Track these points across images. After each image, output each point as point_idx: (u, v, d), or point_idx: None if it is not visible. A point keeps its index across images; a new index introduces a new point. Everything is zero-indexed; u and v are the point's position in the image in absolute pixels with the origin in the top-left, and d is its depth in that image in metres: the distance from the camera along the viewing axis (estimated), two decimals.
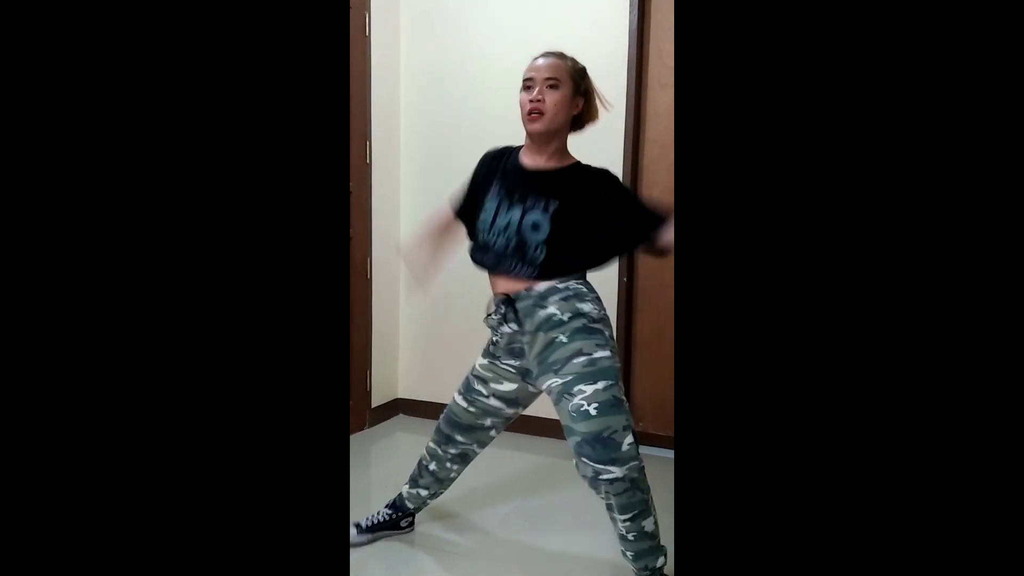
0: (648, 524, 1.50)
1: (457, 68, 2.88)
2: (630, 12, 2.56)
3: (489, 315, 1.66)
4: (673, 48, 2.58)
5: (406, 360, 3.10)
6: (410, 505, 1.92)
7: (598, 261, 1.63)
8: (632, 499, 1.46)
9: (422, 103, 2.99)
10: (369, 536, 1.90)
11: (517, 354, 1.62)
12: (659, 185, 2.65)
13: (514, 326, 1.56)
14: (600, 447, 1.43)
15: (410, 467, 1.91)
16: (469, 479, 2.37)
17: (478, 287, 1.80)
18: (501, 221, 1.55)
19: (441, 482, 1.86)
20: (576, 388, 1.46)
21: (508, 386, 1.68)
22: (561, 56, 1.57)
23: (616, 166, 2.62)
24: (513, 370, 1.65)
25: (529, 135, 1.57)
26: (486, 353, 1.72)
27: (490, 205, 1.59)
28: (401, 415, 3.09)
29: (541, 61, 1.55)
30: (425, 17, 2.94)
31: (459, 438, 1.77)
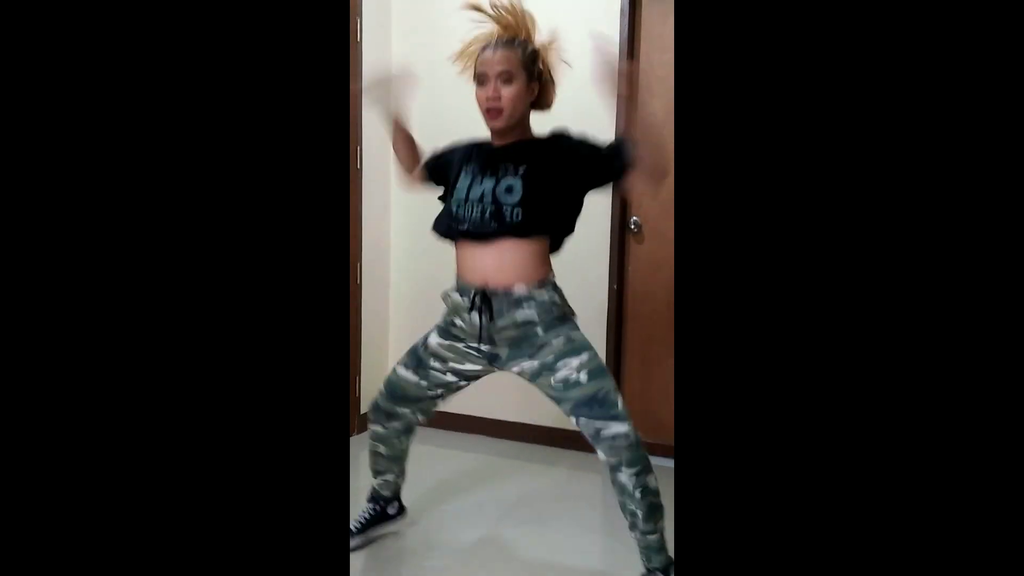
0: (652, 480, 1.55)
1: (448, 74, 2.88)
2: (621, 22, 2.58)
3: (448, 294, 1.65)
4: (662, 58, 2.60)
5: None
6: (385, 493, 1.92)
7: (571, 217, 1.62)
8: (635, 454, 1.51)
9: (413, 108, 2.99)
10: (363, 538, 1.89)
11: (485, 340, 1.61)
12: (649, 193, 2.67)
13: (484, 319, 1.56)
14: (597, 406, 1.51)
15: None
16: (457, 484, 2.38)
17: None
18: (475, 193, 1.54)
19: (397, 459, 1.86)
20: (560, 363, 1.54)
21: (470, 366, 1.67)
22: (511, 44, 1.53)
23: None
24: (478, 353, 1.64)
25: (490, 129, 1.57)
26: (444, 334, 1.67)
27: (462, 183, 1.58)
28: None
29: (492, 53, 1.52)
30: (416, 24, 2.94)
31: (402, 410, 1.74)
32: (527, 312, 1.55)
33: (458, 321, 1.64)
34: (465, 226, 1.55)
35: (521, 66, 1.52)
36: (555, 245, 1.63)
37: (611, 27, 2.59)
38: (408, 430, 1.80)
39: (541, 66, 1.57)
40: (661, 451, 2.69)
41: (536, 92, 1.57)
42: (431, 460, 2.57)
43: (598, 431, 1.51)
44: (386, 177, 3.00)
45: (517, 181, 1.51)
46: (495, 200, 1.51)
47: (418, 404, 1.74)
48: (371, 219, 2.89)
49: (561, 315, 1.59)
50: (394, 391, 1.74)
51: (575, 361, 1.53)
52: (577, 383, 1.52)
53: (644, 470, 1.53)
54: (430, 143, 2.95)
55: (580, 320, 2.23)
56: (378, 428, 1.78)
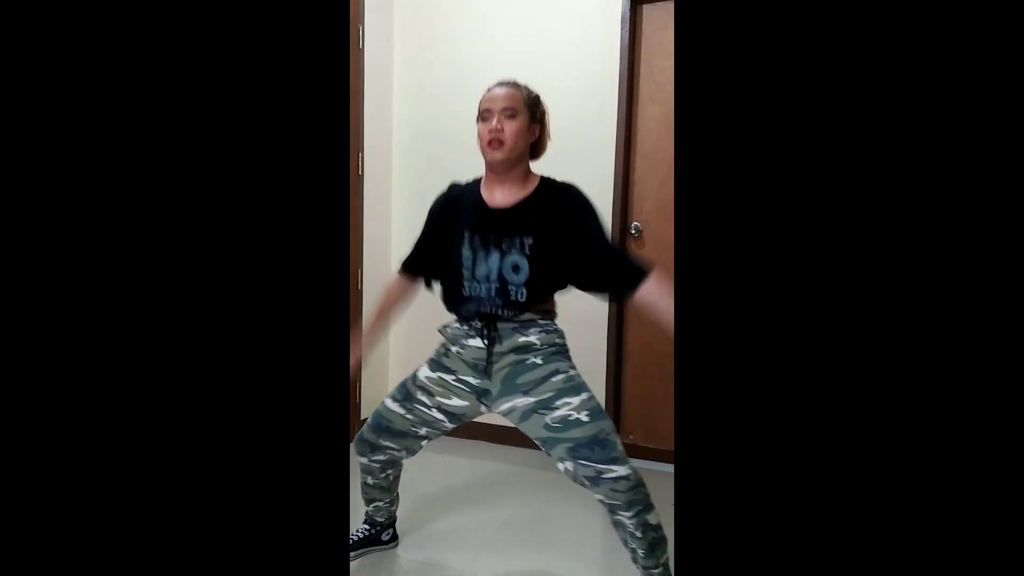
0: (652, 517, 1.52)
1: (450, 81, 2.90)
2: (622, 28, 2.59)
3: (447, 327, 1.65)
4: (662, 64, 2.61)
5: (395, 373, 3.09)
6: (379, 518, 1.91)
7: (576, 284, 1.62)
8: (637, 496, 1.48)
9: (415, 115, 3.00)
10: (352, 554, 1.87)
11: (479, 371, 1.59)
12: (649, 199, 2.68)
13: (486, 342, 1.56)
14: (599, 448, 1.46)
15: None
16: (449, 490, 2.38)
17: None
18: (481, 270, 1.55)
19: (385, 490, 1.84)
20: (560, 402, 1.51)
21: (457, 402, 1.64)
22: (516, 85, 1.58)
23: (607, 179, 2.65)
24: (468, 388, 1.62)
25: (490, 165, 1.58)
26: (435, 366, 1.66)
27: (467, 253, 1.57)
28: None
29: (497, 91, 1.56)
30: (418, 31, 2.96)
31: (386, 443, 1.70)
32: (528, 338, 1.55)
33: (454, 350, 1.62)
34: (473, 307, 1.57)
35: (524, 104, 1.56)
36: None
37: (611, 33, 2.61)
38: (392, 463, 1.78)
39: (541, 110, 1.61)
40: (661, 457, 2.69)
41: (536, 135, 1.60)
42: (432, 467, 2.57)
43: (599, 474, 1.46)
44: (387, 183, 3.01)
45: (523, 260, 1.52)
46: (500, 278, 1.53)
47: (403, 440, 1.71)
48: (372, 225, 2.90)
49: (561, 349, 1.59)
50: (379, 423, 1.71)
51: (575, 400, 1.50)
52: (578, 422, 1.48)
53: (645, 509, 1.50)
54: (430, 146, 2.97)
55: (581, 326, 2.23)
56: (362, 459, 1.77)
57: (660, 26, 2.60)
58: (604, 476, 1.46)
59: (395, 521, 1.97)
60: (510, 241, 1.54)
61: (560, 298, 1.69)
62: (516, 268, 1.53)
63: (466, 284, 1.57)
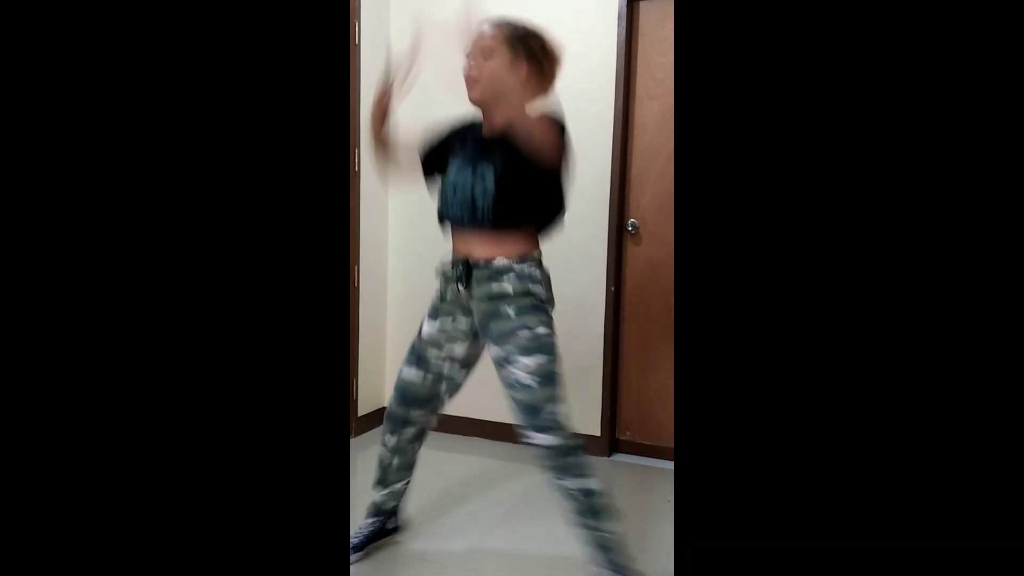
0: (592, 483, 1.55)
1: (446, 77, 2.89)
2: (619, 25, 2.59)
3: (441, 264, 1.67)
4: (660, 60, 2.61)
5: (393, 369, 3.09)
6: (391, 504, 1.89)
7: (545, 216, 1.60)
8: (567, 463, 1.53)
9: (410, 111, 2.99)
10: (361, 553, 1.86)
11: (468, 313, 1.64)
12: (646, 195, 2.67)
13: (462, 287, 1.58)
14: (530, 415, 1.53)
15: None
16: (448, 486, 2.38)
17: None
18: (455, 178, 1.57)
19: (407, 468, 1.85)
20: (516, 359, 1.53)
21: (460, 348, 1.68)
22: (498, 24, 1.54)
23: (604, 176, 2.65)
24: (465, 329, 1.66)
25: (472, 103, 1.57)
26: (434, 313, 1.68)
27: (452, 164, 1.61)
28: None
29: (479, 30, 1.55)
30: (414, 26, 2.95)
31: (415, 413, 1.74)
32: (503, 285, 1.54)
33: (448, 295, 1.65)
34: (447, 217, 1.61)
35: (504, 43, 1.52)
36: (541, 229, 1.62)
37: (609, 30, 2.60)
38: (420, 435, 1.80)
39: (532, 45, 1.55)
40: (658, 453, 2.69)
41: (524, 73, 1.54)
42: (430, 464, 2.57)
43: (530, 439, 1.54)
44: (384, 180, 3.01)
45: (491, 179, 1.52)
46: (471, 191, 1.54)
47: (429, 405, 1.74)
48: (369, 221, 2.89)
49: (537, 302, 1.56)
50: (404, 394, 1.73)
51: (531, 362, 1.52)
52: (523, 386, 1.52)
53: (579, 476, 1.53)
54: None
55: (577, 322, 2.22)
56: (392, 438, 1.76)
57: (657, 22, 2.60)
58: (534, 440, 1.53)
59: (399, 508, 1.94)
60: (483, 160, 1.55)
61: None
62: (484, 188, 1.53)
63: (447, 199, 1.60)
